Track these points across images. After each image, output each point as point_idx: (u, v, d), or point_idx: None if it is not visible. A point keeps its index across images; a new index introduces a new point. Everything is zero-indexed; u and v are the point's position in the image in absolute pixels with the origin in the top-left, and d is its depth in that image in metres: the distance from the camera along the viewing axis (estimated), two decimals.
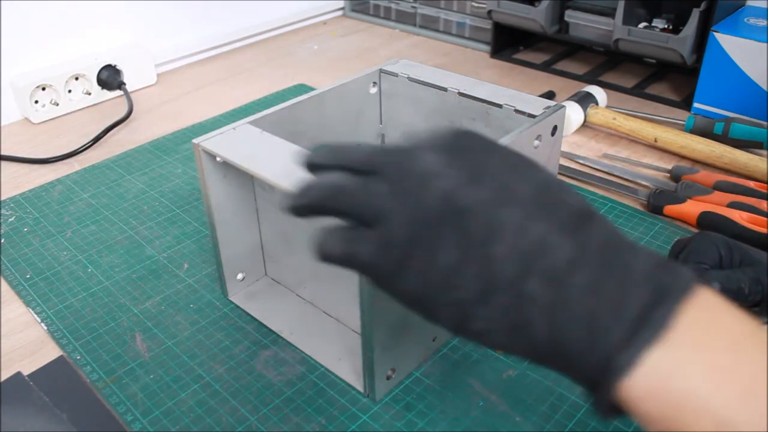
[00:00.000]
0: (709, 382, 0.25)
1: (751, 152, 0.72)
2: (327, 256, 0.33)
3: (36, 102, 0.88)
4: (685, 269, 0.28)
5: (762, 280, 0.45)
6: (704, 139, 0.74)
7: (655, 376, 0.26)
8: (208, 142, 0.49)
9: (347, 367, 0.49)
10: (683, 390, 0.25)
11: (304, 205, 0.33)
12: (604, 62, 1.01)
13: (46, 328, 0.54)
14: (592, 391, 0.28)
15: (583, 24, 0.94)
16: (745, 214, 0.61)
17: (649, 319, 0.26)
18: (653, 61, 0.98)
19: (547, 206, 0.29)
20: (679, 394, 0.25)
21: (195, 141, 0.49)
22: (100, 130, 0.83)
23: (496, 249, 0.28)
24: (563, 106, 0.53)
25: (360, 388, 0.47)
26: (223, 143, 0.49)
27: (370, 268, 0.31)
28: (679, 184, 0.67)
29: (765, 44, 0.76)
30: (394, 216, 0.30)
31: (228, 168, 0.50)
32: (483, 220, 0.28)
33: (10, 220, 0.68)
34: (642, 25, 0.87)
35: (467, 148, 0.31)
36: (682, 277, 0.27)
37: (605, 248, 0.28)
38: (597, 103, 0.83)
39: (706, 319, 0.27)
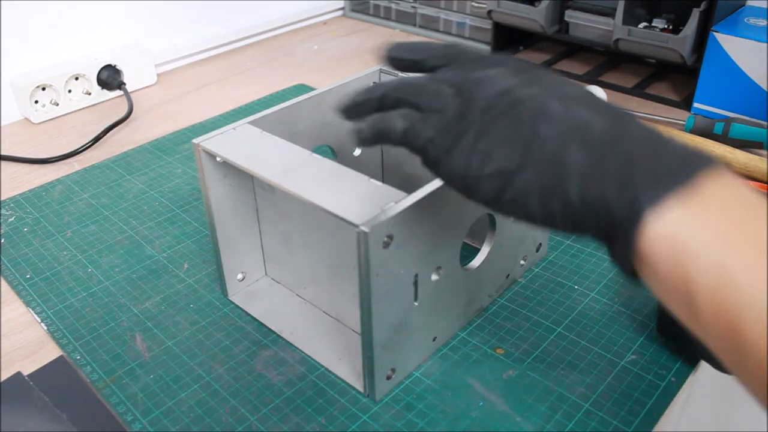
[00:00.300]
0: (716, 231, 0.28)
1: (751, 152, 0.72)
2: (388, 131, 0.36)
3: (36, 102, 0.88)
4: (713, 156, 0.31)
5: None
6: (704, 139, 0.74)
7: (671, 228, 0.29)
8: (208, 142, 0.49)
9: (347, 367, 0.49)
10: (693, 237, 0.28)
11: (374, 98, 0.38)
12: (604, 62, 1.01)
13: (46, 328, 0.54)
14: (616, 244, 0.31)
15: (583, 24, 0.94)
16: None
17: (674, 178, 0.29)
18: (653, 61, 0.98)
19: (592, 103, 0.33)
20: (688, 240, 0.28)
21: (195, 141, 0.49)
22: (100, 130, 0.83)
23: (541, 127, 0.32)
24: None
25: (360, 388, 0.47)
26: (223, 143, 0.49)
27: (426, 145, 0.35)
28: None
29: (765, 44, 0.76)
30: (456, 104, 0.35)
31: (228, 168, 0.51)
32: (532, 107, 0.33)
33: (10, 220, 0.68)
34: (642, 25, 0.87)
35: (525, 67, 0.36)
36: (709, 157, 0.30)
37: (643, 132, 0.31)
38: None
39: (725, 187, 0.29)
